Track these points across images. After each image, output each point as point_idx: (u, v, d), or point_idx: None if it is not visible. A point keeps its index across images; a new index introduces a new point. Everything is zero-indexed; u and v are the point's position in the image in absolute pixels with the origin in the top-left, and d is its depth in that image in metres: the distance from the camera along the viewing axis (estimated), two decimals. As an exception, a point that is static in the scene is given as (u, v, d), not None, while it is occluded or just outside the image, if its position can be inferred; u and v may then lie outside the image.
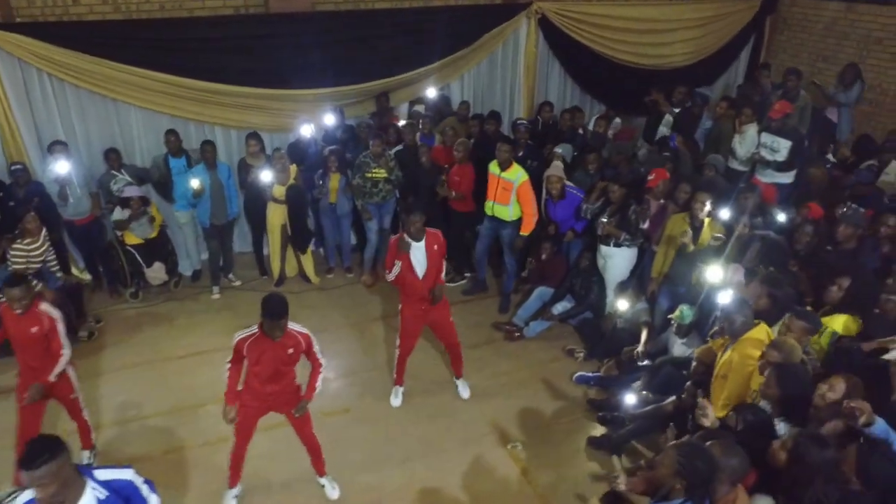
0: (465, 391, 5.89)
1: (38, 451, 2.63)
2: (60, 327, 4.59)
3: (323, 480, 4.87)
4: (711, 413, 3.78)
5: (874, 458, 3.06)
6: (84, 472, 2.86)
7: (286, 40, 7.29)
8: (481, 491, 4.92)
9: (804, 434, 3.22)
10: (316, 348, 4.34)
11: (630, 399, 5.02)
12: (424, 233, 5.14)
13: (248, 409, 4.37)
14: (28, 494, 2.71)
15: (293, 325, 4.18)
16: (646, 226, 5.97)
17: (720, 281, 5.00)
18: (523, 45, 8.37)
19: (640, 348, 5.74)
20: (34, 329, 4.49)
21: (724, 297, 4.73)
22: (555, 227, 6.65)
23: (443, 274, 5.43)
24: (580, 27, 8.44)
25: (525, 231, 6.61)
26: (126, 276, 7.33)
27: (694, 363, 5.00)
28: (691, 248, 5.40)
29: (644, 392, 5.32)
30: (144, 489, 3.02)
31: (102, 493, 2.83)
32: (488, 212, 6.83)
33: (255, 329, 4.13)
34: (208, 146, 6.98)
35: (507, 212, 6.66)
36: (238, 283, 7.65)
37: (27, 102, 6.85)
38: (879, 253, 4.95)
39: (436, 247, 5.20)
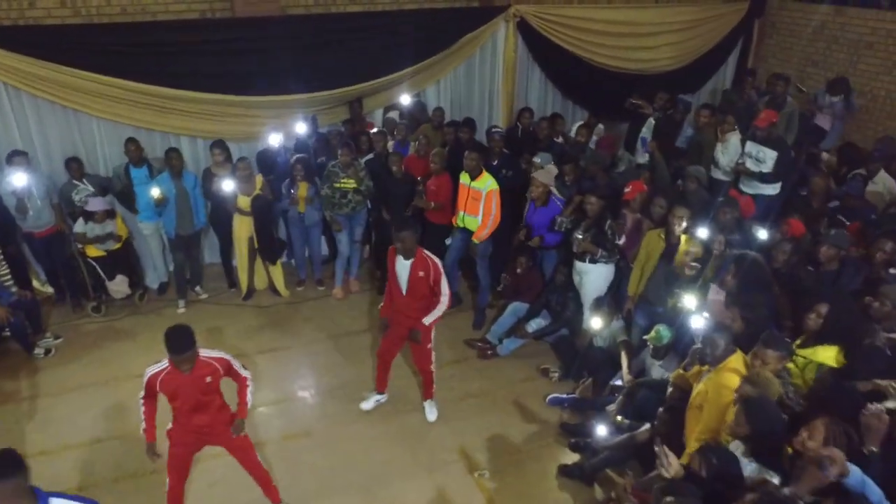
0: (431, 414, 5.65)
1: None
2: None
3: None
4: (675, 463, 3.51)
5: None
6: (40, 496, 2.75)
7: (254, 45, 7.03)
8: (445, 524, 4.68)
9: (767, 497, 2.95)
10: (237, 366, 4.11)
11: (601, 430, 4.76)
12: (414, 252, 4.91)
13: (178, 447, 4.11)
14: None
15: (206, 353, 3.94)
16: (622, 241, 5.71)
17: (696, 307, 4.75)
18: (502, 50, 8.11)
19: (624, 376, 5.45)
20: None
21: (697, 322, 4.51)
22: (526, 232, 6.37)
23: (427, 318, 5.12)
24: (560, 30, 8.18)
25: (476, 237, 6.36)
26: (88, 289, 7.07)
27: (670, 388, 4.77)
28: (692, 272, 5.11)
29: (619, 417, 5.07)
30: None
31: None
32: (459, 223, 6.59)
33: (165, 363, 3.87)
34: (174, 154, 6.72)
35: (478, 223, 6.42)
36: (205, 296, 7.40)
37: (-20, 111, 6.58)
38: (861, 276, 4.69)
39: (421, 273, 4.95)
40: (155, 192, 6.48)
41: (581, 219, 5.97)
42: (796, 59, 9.00)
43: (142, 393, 4.02)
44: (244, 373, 4.17)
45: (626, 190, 5.87)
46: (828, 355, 4.19)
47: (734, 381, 3.89)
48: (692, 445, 4.00)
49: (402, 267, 5.04)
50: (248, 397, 4.21)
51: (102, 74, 6.64)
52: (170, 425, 4.13)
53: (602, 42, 8.39)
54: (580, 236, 5.80)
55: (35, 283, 7.22)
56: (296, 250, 7.45)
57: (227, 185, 6.53)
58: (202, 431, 4.13)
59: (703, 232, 5.18)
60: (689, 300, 4.88)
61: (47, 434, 5.43)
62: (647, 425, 4.79)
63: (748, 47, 9.36)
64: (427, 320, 5.11)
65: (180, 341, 3.75)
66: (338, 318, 7.04)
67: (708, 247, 5.24)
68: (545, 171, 6.27)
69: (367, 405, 5.67)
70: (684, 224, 5.24)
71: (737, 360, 4.05)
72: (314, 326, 6.88)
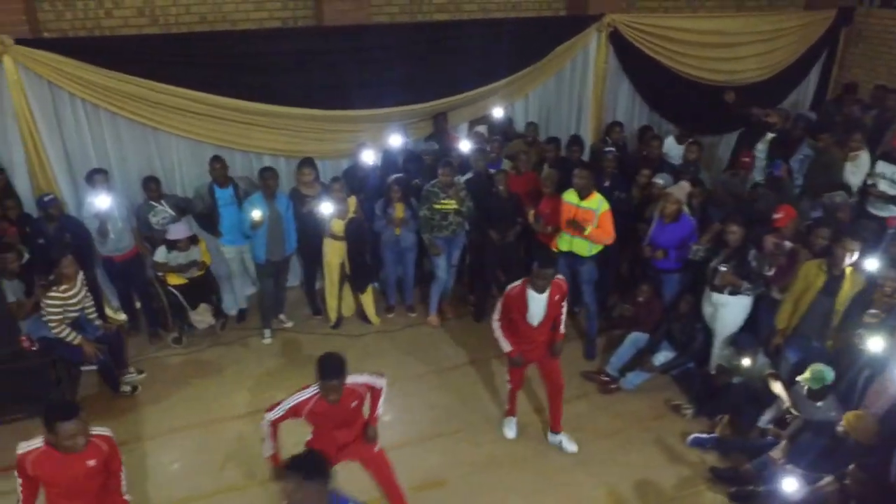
0: (570, 445, 5.34)
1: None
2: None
3: None
4: None
5: None
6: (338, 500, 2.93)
7: (342, 56, 6.59)
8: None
9: None
10: (375, 382, 4.07)
11: (790, 485, 4.36)
12: (550, 285, 4.61)
13: None
14: None
15: (351, 379, 3.82)
16: (771, 272, 5.33)
17: (885, 349, 4.39)
18: (593, 61, 7.71)
19: (789, 405, 5.05)
20: (91, 462, 3.50)
21: (876, 345, 4.14)
22: (651, 250, 6.00)
23: (562, 327, 4.97)
24: (651, 40, 7.80)
25: (594, 237, 5.93)
26: (167, 319, 6.59)
27: (842, 432, 4.40)
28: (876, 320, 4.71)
29: (788, 466, 4.68)
30: None
31: None
32: (564, 247, 6.14)
33: (314, 390, 3.78)
34: (269, 173, 6.24)
35: (587, 246, 6.02)
36: (290, 324, 6.93)
37: (57, 128, 6.13)
38: None
39: (557, 297, 4.75)
40: (256, 214, 6.01)
41: (718, 247, 5.58)
42: (884, 68, 8.67)
43: (274, 416, 3.86)
44: (380, 383, 4.10)
45: (777, 216, 5.47)
46: None
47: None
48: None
49: (536, 301, 4.76)
50: (380, 408, 4.16)
51: (181, 87, 6.20)
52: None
53: (693, 53, 8.03)
54: (723, 268, 5.39)
55: (108, 311, 6.74)
56: (388, 274, 7.00)
57: (326, 208, 6.07)
58: (342, 447, 4.04)
59: (872, 263, 4.81)
60: (874, 342, 4.50)
61: (144, 488, 4.93)
62: (831, 478, 4.41)
63: (833, 57, 9.03)
64: (562, 329, 5.01)
65: (336, 367, 3.67)
66: (440, 348, 6.60)
67: (871, 279, 4.88)
68: (679, 188, 5.90)
69: (510, 432, 5.48)
70: (854, 257, 4.86)
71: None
72: (416, 358, 6.43)
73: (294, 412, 3.80)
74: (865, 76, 8.74)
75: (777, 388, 5.15)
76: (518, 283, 4.81)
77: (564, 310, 4.97)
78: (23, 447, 3.44)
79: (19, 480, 3.51)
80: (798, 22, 8.56)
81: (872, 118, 7.20)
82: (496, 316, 4.97)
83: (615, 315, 6.59)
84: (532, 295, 4.69)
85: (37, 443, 3.44)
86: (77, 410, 3.40)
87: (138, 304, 6.82)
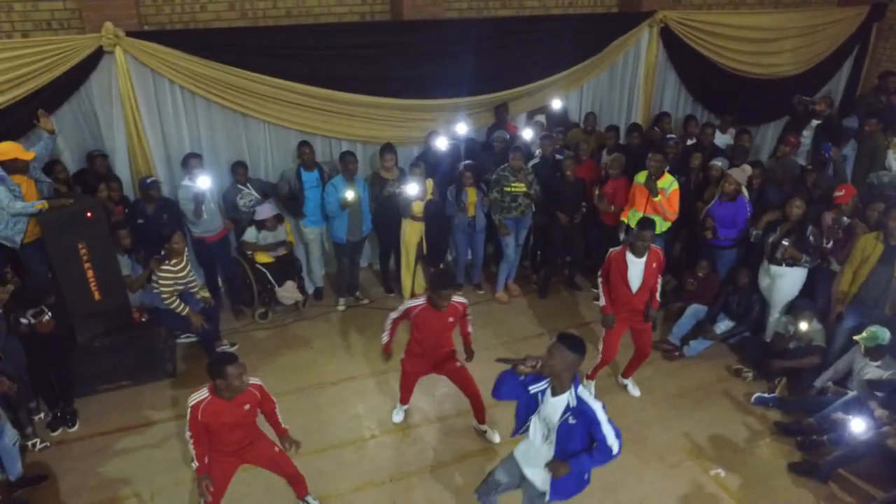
0: (635, 390, 5.97)
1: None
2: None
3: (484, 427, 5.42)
4: None
5: None
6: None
7: (418, 49, 7.01)
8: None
9: None
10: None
11: (858, 426, 4.81)
12: (649, 249, 5.05)
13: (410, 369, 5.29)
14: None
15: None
16: (830, 245, 5.79)
17: None
18: (644, 55, 8.17)
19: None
20: (247, 406, 4.07)
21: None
22: (710, 225, 6.46)
23: (658, 294, 5.40)
24: (699, 35, 8.27)
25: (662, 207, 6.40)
26: (253, 296, 7.01)
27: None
28: None
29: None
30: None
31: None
32: (634, 224, 6.59)
33: (422, 300, 4.81)
34: (350, 157, 6.69)
35: (657, 223, 6.46)
36: (366, 301, 7.36)
37: (157, 115, 6.52)
38: None
39: (655, 265, 5.18)
40: (350, 194, 6.45)
41: (774, 227, 6.03)
42: (911, 63, 9.16)
43: (395, 315, 4.96)
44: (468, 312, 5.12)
45: (839, 193, 5.94)
46: None
47: None
48: None
49: (635, 265, 5.20)
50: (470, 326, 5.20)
51: (268, 76, 6.61)
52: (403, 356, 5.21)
53: (735, 47, 8.49)
54: (785, 242, 5.85)
55: (201, 292, 7.14)
56: (459, 255, 7.44)
57: (413, 189, 6.50)
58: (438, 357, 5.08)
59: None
60: None
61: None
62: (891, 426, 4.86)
63: (864, 51, 9.50)
64: (658, 296, 5.50)
65: (446, 279, 4.77)
66: (508, 322, 7.04)
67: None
68: (740, 170, 6.37)
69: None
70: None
71: None
72: (486, 331, 6.84)
73: (406, 314, 4.84)
74: (892, 69, 9.18)
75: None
76: (619, 247, 5.29)
77: (661, 281, 5.42)
78: (193, 398, 3.94)
79: (189, 433, 3.96)
80: (832, 18, 9.03)
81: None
82: (600, 273, 5.46)
83: (668, 288, 7.00)
84: (631, 259, 5.13)
85: (203, 394, 3.92)
86: (237, 357, 3.93)
87: (221, 284, 7.23)
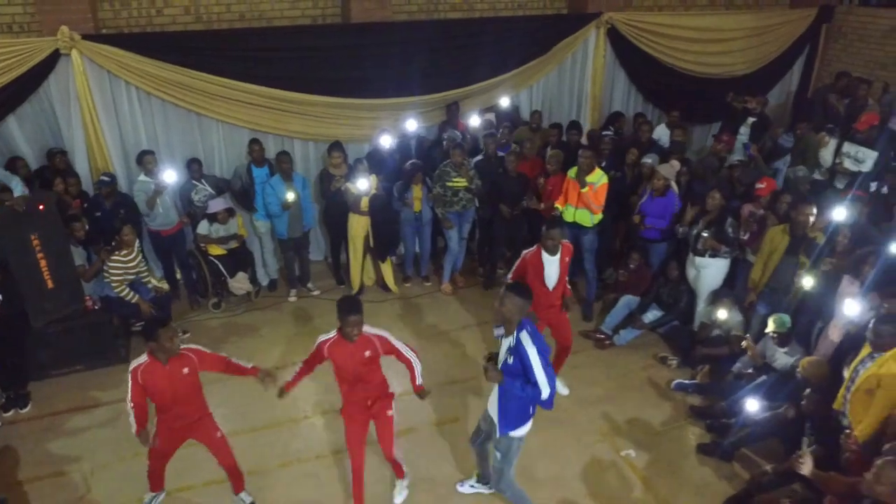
0: (564, 389, 6.03)
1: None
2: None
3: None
4: (809, 462, 3.82)
5: None
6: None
7: (367, 50, 7.32)
8: (604, 498, 4.99)
9: None
10: (398, 345, 4.39)
11: (752, 405, 5.08)
12: (560, 246, 5.26)
13: (352, 424, 4.55)
14: None
15: (368, 329, 4.23)
16: (746, 237, 6.05)
17: (812, 287, 5.23)
18: (592, 55, 8.46)
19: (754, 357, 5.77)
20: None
21: (850, 309, 4.84)
22: (640, 218, 6.71)
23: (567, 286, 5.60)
24: (647, 37, 8.54)
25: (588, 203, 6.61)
26: (207, 287, 7.34)
27: (798, 374, 5.06)
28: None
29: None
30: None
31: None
32: (568, 218, 6.86)
33: (334, 333, 4.24)
34: (284, 157, 7.01)
35: (589, 217, 6.73)
36: (317, 292, 7.68)
37: (114, 114, 6.87)
38: None
39: (567, 259, 5.39)
40: (290, 195, 6.77)
41: (698, 218, 6.30)
42: (862, 62, 9.37)
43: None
44: (408, 354, 4.41)
45: (760, 186, 6.20)
46: None
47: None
48: (864, 428, 4.29)
49: (550, 263, 5.36)
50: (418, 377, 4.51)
51: (222, 77, 6.93)
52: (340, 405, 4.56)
53: (683, 47, 8.76)
54: (705, 234, 6.12)
55: (153, 281, 7.47)
56: (407, 248, 7.74)
57: (363, 185, 6.79)
58: (365, 404, 4.42)
59: (839, 213, 5.52)
60: (807, 280, 5.34)
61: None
62: (788, 403, 5.12)
63: (815, 52, 9.73)
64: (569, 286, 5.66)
65: (352, 305, 4.09)
66: (451, 312, 7.34)
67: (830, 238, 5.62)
68: (669, 166, 6.64)
69: (564, 390, 6.08)
70: (811, 220, 5.58)
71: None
72: (431, 321, 7.17)
73: (320, 349, 4.26)
74: (845, 69, 9.41)
75: (746, 344, 5.84)
76: (532, 248, 5.42)
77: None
78: (133, 363, 4.24)
79: (130, 401, 4.23)
80: (782, 19, 9.28)
81: (845, 106, 7.90)
82: (509, 276, 5.64)
83: (610, 281, 7.29)
84: (546, 258, 5.31)
85: (142, 358, 4.23)
86: (169, 320, 4.28)
87: (178, 276, 7.56)
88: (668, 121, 8.40)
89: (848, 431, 4.33)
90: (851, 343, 4.88)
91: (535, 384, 3.83)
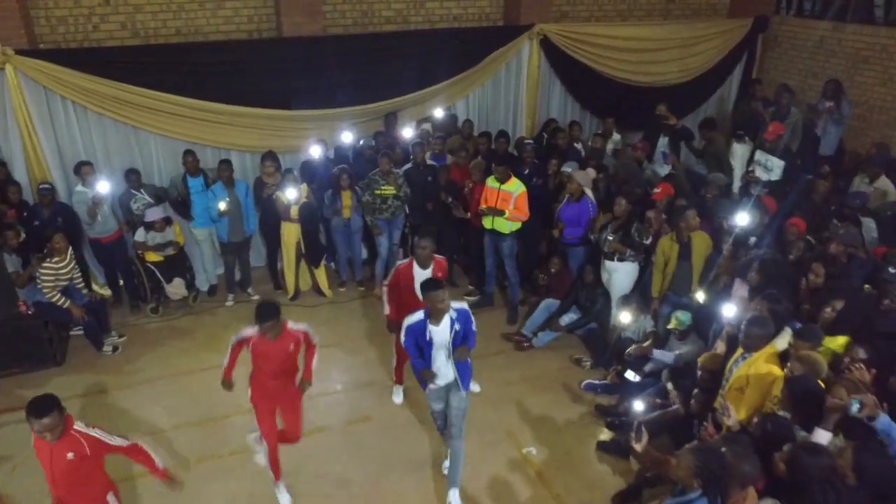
0: (475, 386, 6.18)
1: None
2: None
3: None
4: (734, 413, 4.10)
5: (866, 456, 3.39)
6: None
7: (298, 63, 7.59)
8: (499, 493, 5.21)
9: (798, 445, 3.53)
10: (312, 336, 4.85)
11: (638, 406, 5.30)
12: (432, 260, 5.44)
13: (260, 403, 4.90)
14: None
15: (292, 325, 4.69)
16: (649, 241, 6.28)
17: (705, 300, 5.49)
18: (526, 65, 8.71)
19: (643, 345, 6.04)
20: (70, 455, 3.74)
21: (728, 311, 5.06)
22: (560, 228, 6.96)
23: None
24: (580, 46, 8.79)
25: (512, 218, 6.83)
26: (146, 292, 7.57)
27: (699, 371, 5.29)
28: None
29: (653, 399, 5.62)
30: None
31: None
32: (487, 226, 7.08)
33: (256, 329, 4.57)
34: (225, 165, 7.26)
35: (506, 224, 6.95)
36: (256, 297, 7.91)
37: (51, 126, 7.11)
38: (865, 271, 5.27)
39: (440, 273, 5.45)
40: (222, 205, 7.03)
41: (610, 222, 6.54)
42: (797, 71, 9.62)
43: (234, 339, 4.82)
44: (315, 341, 4.87)
45: (656, 191, 6.45)
46: (838, 343, 4.74)
47: (772, 364, 4.44)
48: (734, 425, 4.51)
49: (421, 276, 5.39)
50: (314, 364, 4.91)
51: (158, 91, 7.19)
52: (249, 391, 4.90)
53: (617, 57, 9.02)
54: (610, 237, 6.37)
55: (94, 286, 7.73)
56: (339, 254, 7.98)
57: (291, 194, 7.03)
58: (275, 394, 4.82)
59: (741, 219, 5.78)
60: (700, 295, 5.65)
61: (126, 423, 5.90)
62: (677, 406, 5.35)
63: (752, 60, 9.98)
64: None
65: (268, 312, 4.46)
66: (380, 316, 7.53)
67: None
68: (584, 174, 6.88)
69: (397, 398, 6.25)
70: (694, 223, 5.84)
71: (773, 348, 4.58)
72: (359, 324, 7.41)
73: (241, 342, 4.75)
74: (782, 77, 9.66)
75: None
76: (406, 260, 5.61)
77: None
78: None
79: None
80: (717, 29, 9.53)
81: (770, 113, 8.13)
82: (385, 280, 5.82)
83: (534, 284, 7.52)
84: (418, 270, 5.45)
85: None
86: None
87: (121, 281, 7.79)
88: (604, 129, 8.64)
89: (706, 424, 4.55)
90: (731, 344, 5.09)
91: (472, 333, 4.72)
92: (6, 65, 6.62)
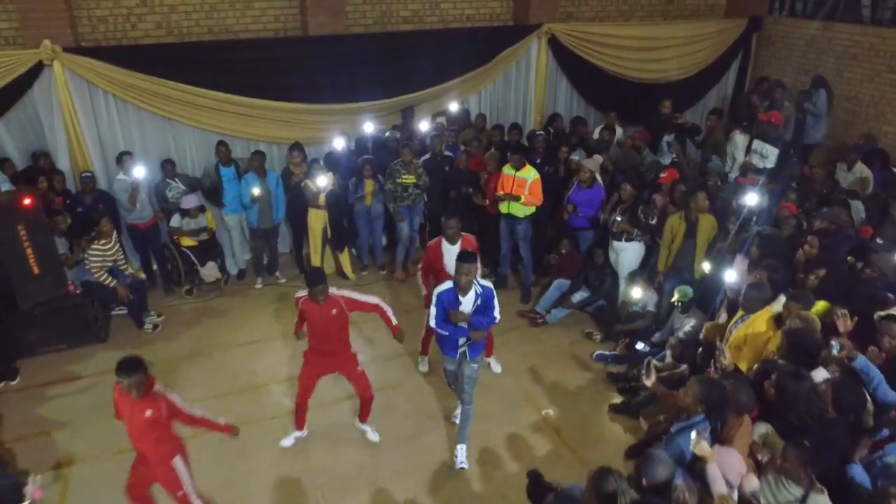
0: (497, 367, 6.69)
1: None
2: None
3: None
4: (728, 354, 4.66)
5: (844, 391, 3.92)
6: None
7: (323, 60, 8.08)
8: (522, 448, 5.72)
9: (784, 370, 4.07)
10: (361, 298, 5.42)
11: (640, 345, 5.85)
12: (460, 237, 5.95)
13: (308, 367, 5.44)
14: None
15: (334, 291, 5.22)
16: (654, 221, 6.80)
17: (710, 270, 6.02)
18: (534, 63, 9.24)
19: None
20: (148, 413, 4.23)
21: (730, 276, 5.59)
22: (573, 208, 7.44)
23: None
24: (586, 45, 9.33)
25: (527, 203, 7.32)
26: (180, 275, 8.05)
27: (703, 336, 5.80)
28: None
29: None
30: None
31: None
32: (503, 210, 7.57)
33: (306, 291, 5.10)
34: (258, 156, 7.74)
35: (521, 209, 7.46)
36: (283, 280, 8.39)
37: (93, 118, 7.58)
38: (849, 246, 5.84)
39: (471, 248, 5.91)
40: (256, 191, 7.51)
41: (617, 205, 7.07)
42: (790, 68, 10.18)
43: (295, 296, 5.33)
44: (373, 300, 5.43)
45: (663, 175, 6.99)
46: (820, 307, 5.27)
47: (769, 325, 4.98)
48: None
49: (450, 252, 5.95)
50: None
51: (192, 86, 7.67)
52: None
53: (620, 55, 9.56)
54: (619, 218, 6.89)
55: (130, 270, 8.18)
56: (361, 239, 8.48)
57: (321, 181, 7.52)
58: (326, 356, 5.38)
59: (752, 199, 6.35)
60: (706, 265, 6.17)
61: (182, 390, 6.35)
62: (685, 366, 5.86)
63: (748, 58, 10.54)
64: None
65: (316, 277, 5.02)
66: (401, 296, 8.06)
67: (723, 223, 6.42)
68: (593, 161, 7.41)
69: (423, 367, 6.76)
70: (704, 204, 6.36)
71: (769, 311, 5.12)
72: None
73: (295, 303, 5.29)
74: (774, 74, 10.21)
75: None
76: (434, 240, 6.13)
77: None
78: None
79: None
80: (713, 28, 10.09)
81: (765, 107, 8.69)
82: (419, 266, 6.33)
83: (545, 266, 8.04)
84: (447, 246, 5.99)
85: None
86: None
87: (154, 266, 8.26)
88: (608, 122, 9.16)
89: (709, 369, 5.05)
90: (731, 309, 5.62)
91: (491, 311, 5.09)
92: (54, 61, 7.09)
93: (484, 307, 5.08)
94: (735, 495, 3.67)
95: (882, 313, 4.60)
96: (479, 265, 5.57)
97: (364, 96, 8.32)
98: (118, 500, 4.70)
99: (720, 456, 3.72)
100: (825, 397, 3.92)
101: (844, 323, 4.52)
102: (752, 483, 3.68)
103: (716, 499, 3.38)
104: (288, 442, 5.71)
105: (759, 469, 3.82)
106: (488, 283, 5.13)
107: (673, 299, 6.36)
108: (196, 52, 7.83)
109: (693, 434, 3.77)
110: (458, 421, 5.69)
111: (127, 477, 4.58)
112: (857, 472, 3.69)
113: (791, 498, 3.49)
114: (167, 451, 4.43)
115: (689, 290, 6.19)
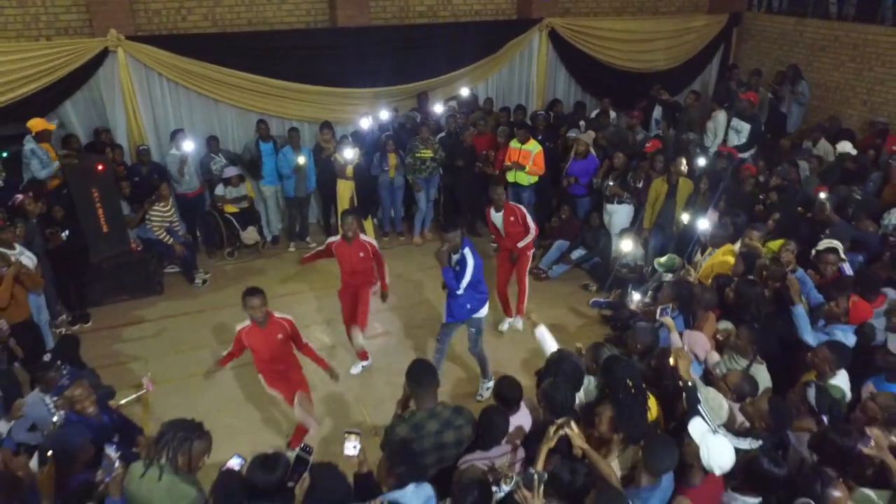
0: (519, 323, 7.56)
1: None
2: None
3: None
4: (693, 273, 5.85)
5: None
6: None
7: (349, 49, 9.14)
8: (530, 367, 6.73)
9: (741, 280, 5.12)
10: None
11: (636, 296, 6.83)
12: (503, 204, 6.92)
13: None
14: None
15: (363, 237, 6.27)
16: (640, 185, 7.87)
17: (688, 220, 7.03)
18: (536, 53, 10.31)
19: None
20: (279, 335, 5.12)
21: (703, 224, 6.65)
22: (574, 180, 8.47)
23: (521, 242, 6.97)
24: (582, 38, 10.41)
25: (531, 172, 8.38)
26: (223, 239, 9.07)
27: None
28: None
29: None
30: None
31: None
32: (510, 179, 8.62)
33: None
34: (294, 132, 8.79)
35: (526, 178, 8.51)
36: (314, 245, 9.39)
37: (149, 99, 8.61)
38: (801, 196, 6.95)
39: (511, 218, 6.89)
40: (301, 159, 8.57)
41: (610, 172, 8.14)
42: (767, 59, 11.26)
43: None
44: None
45: (648, 145, 8.07)
46: (777, 244, 6.30)
47: (730, 257, 6.04)
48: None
49: (497, 218, 7.03)
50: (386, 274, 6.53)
51: (234, 70, 8.71)
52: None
53: (614, 47, 10.64)
54: (611, 183, 7.95)
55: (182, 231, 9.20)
56: (383, 208, 9.52)
57: (349, 154, 8.54)
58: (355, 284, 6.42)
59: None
60: (685, 217, 7.15)
61: (225, 335, 7.34)
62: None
63: (728, 50, 11.63)
64: (520, 244, 7.01)
65: (349, 215, 6.19)
66: (419, 259, 9.09)
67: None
68: (587, 135, 8.49)
69: (504, 326, 7.56)
70: (684, 168, 7.42)
71: (730, 246, 6.19)
72: (404, 264, 8.91)
73: (328, 248, 6.27)
74: (753, 64, 11.30)
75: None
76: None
77: (529, 234, 6.90)
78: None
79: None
80: (698, 23, 11.18)
81: (744, 91, 9.76)
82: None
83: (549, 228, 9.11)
84: (494, 213, 7.00)
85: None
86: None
87: (198, 233, 9.27)
88: (602, 106, 10.22)
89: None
90: (703, 249, 6.68)
91: (459, 279, 5.59)
92: (118, 48, 8.12)
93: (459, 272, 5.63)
94: (700, 369, 4.71)
95: (820, 246, 5.66)
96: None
97: (384, 82, 9.37)
98: (192, 411, 5.61)
99: (690, 337, 4.78)
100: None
101: (788, 257, 5.54)
102: (714, 357, 4.74)
103: (673, 351, 4.36)
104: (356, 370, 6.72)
105: (719, 350, 4.87)
106: (469, 253, 5.56)
107: (659, 262, 7.33)
108: (238, 41, 8.88)
109: (658, 311, 4.84)
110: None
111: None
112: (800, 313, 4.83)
113: (738, 368, 4.54)
114: (298, 381, 5.45)
115: (676, 260, 7.19)
